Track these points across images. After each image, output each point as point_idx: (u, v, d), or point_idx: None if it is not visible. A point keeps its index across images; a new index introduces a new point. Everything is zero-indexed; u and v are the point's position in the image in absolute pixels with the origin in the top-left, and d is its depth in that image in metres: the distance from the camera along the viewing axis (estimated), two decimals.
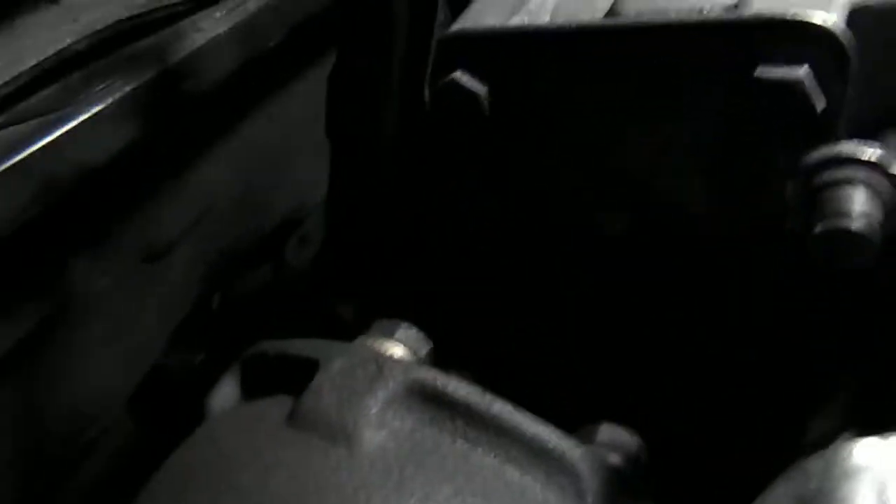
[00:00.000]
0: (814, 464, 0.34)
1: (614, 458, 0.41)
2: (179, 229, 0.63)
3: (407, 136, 0.41)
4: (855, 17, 0.33)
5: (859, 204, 0.28)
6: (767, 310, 0.40)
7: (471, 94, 0.38)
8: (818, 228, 0.28)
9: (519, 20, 0.41)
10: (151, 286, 0.64)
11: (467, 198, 0.42)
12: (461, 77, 0.38)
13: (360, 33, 0.41)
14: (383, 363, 0.42)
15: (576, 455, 0.39)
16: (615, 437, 0.41)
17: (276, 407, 0.43)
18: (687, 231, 0.39)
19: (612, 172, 0.39)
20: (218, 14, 0.44)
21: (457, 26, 0.41)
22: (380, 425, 0.39)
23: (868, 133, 0.34)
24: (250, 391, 0.49)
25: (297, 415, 0.41)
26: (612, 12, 0.39)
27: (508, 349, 0.48)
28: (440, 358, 0.46)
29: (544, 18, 0.42)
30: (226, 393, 0.50)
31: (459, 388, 0.41)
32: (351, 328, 0.49)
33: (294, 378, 0.43)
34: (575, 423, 0.42)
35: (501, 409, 0.40)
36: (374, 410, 0.39)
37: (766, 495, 0.34)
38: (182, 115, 0.46)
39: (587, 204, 0.40)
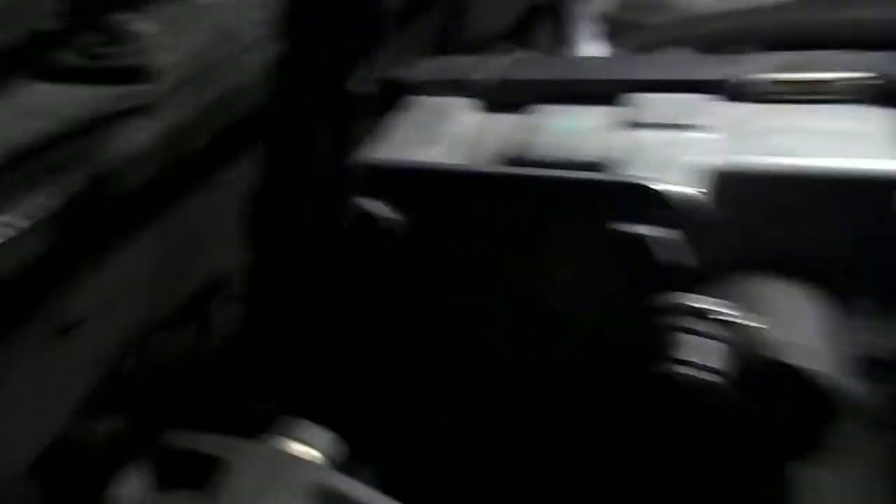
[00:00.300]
0: None
1: None
2: (95, 306, 0.63)
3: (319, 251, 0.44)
4: (715, 179, 0.39)
5: (696, 352, 0.33)
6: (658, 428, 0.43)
7: (384, 226, 0.42)
8: (661, 370, 0.33)
9: (432, 152, 0.45)
10: (61, 356, 0.63)
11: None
12: (375, 208, 0.42)
13: (283, 149, 0.44)
14: (288, 466, 0.44)
15: None
16: None
17: None
18: (586, 353, 0.43)
19: (517, 293, 0.44)
20: (146, 123, 0.46)
21: (374, 153, 0.45)
22: None
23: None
24: (157, 483, 0.49)
25: None
26: (523, 148, 0.44)
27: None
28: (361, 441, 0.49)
29: (459, 150, 0.46)
30: (131, 484, 0.50)
31: (359, 491, 0.43)
32: (266, 419, 0.50)
33: (201, 476, 0.44)
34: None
35: None
36: None
37: None
38: (105, 216, 0.47)
39: (491, 321, 0.44)
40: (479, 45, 0.91)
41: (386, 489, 0.48)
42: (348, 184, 0.44)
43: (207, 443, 0.48)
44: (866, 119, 0.41)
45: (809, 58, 0.44)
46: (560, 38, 0.71)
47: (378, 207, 0.42)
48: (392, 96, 0.53)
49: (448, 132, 0.47)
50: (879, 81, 0.41)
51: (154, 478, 0.49)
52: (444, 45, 0.95)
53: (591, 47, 0.69)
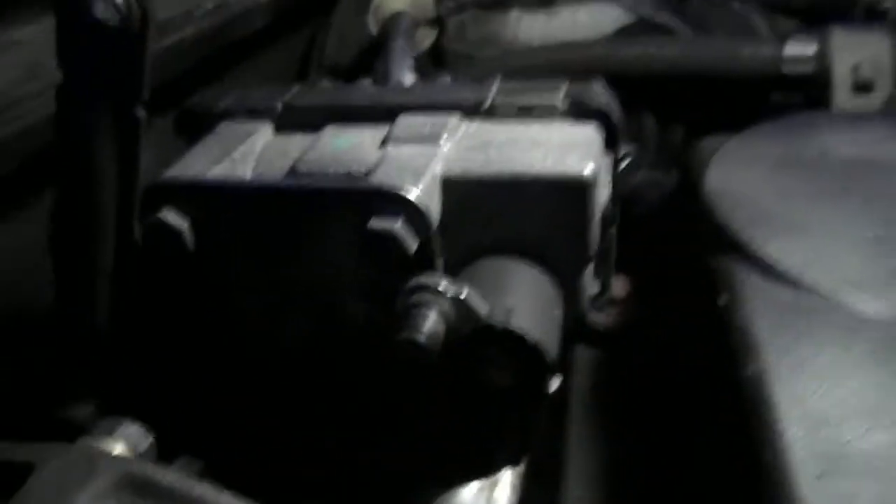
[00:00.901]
0: None
1: None
2: None
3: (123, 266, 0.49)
4: (446, 185, 0.48)
5: (426, 321, 0.41)
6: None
7: (175, 231, 0.48)
8: (399, 336, 0.41)
9: (220, 169, 0.51)
10: None
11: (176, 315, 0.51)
12: (166, 216, 0.48)
13: (72, 182, 0.48)
14: (98, 460, 0.47)
15: None
16: None
17: None
18: (356, 335, 0.51)
19: (297, 291, 0.50)
20: None
21: (166, 173, 0.51)
22: None
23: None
24: None
25: None
26: (292, 168, 0.51)
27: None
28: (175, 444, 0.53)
29: (247, 167, 0.53)
30: None
31: (166, 476, 0.47)
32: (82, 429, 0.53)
33: (9, 483, 0.47)
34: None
35: (203, 490, 0.47)
36: None
37: None
38: None
39: (276, 316, 0.50)
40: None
41: (201, 474, 0.52)
42: (145, 203, 0.49)
43: (15, 451, 0.50)
44: (562, 132, 0.52)
45: (530, 84, 0.55)
46: (382, 72, 0.79)
47: (170, 218, 0.48)
48: (197, 123, 0.59)
49: (241, 152, 0.54)
50: (567, 104, 0.53)
51: None
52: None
53: (408, 79, 0.78)
